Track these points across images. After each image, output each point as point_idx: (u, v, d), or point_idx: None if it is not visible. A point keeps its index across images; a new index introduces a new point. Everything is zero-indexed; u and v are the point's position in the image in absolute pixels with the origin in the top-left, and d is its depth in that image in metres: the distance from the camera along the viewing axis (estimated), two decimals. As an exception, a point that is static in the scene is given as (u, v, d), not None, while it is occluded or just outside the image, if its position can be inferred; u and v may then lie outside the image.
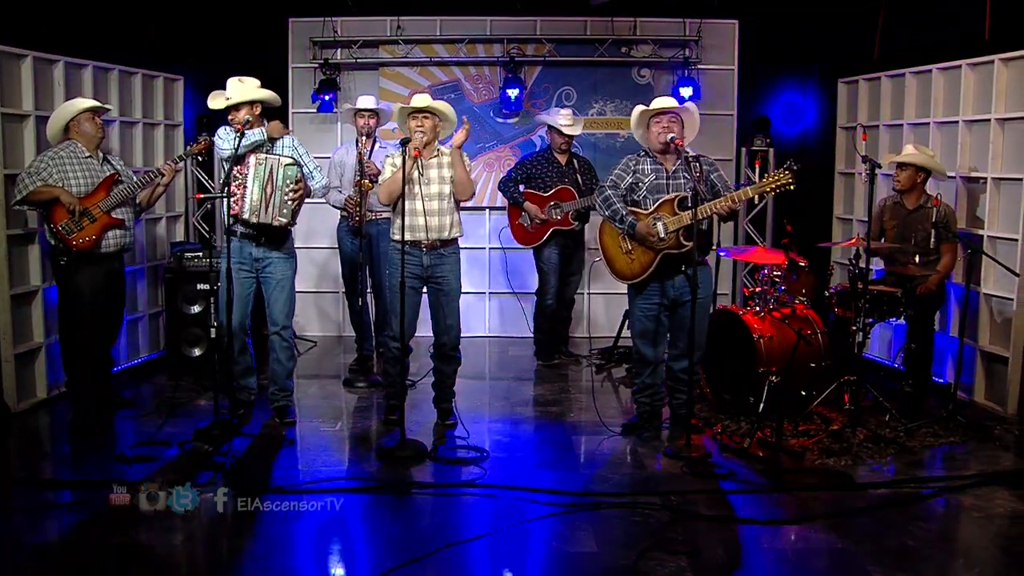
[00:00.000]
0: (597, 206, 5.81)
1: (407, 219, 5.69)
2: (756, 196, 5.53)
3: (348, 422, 6.30)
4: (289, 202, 5.77)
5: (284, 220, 5.79)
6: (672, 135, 5.53)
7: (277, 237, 5.91)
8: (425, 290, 5.91)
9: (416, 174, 5.66)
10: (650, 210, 5.60)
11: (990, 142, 6.48)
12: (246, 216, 5.73)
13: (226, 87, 5.87)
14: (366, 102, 7.11)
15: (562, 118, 7.50)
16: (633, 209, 5.65)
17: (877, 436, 5.70)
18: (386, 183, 5.70)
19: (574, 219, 7.50)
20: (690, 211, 5.42)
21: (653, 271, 5.64)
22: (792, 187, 5.30)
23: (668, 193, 5.59)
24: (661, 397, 6.05)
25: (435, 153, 5.77)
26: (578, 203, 7.43)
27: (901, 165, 6.44)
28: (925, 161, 6.40)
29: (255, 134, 5.80)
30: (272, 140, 5.91)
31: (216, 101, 5.90)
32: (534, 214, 7.49)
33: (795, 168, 5.28)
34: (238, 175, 5.68)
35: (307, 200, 6.03)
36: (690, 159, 5.51)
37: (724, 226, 8.27)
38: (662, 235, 5.52)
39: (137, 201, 6.32)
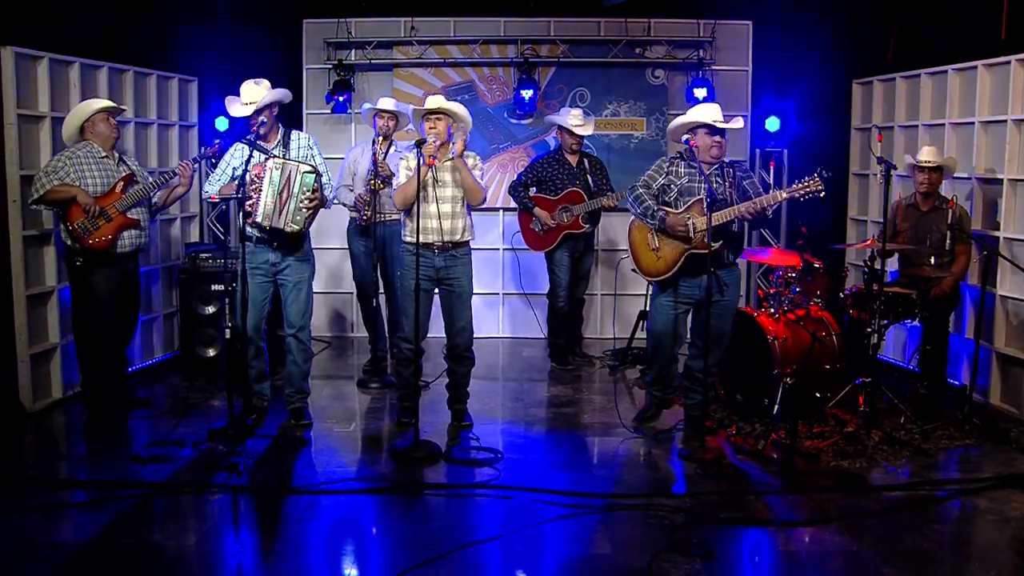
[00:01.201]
0: (629, 205, 5.83)
1: (420, 221, 5.70)
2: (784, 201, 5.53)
3: (362, 423, 6.30)
4: (304, 210, 5.76)
5: (296, 227, 5.77)
6: (720, 151, 5.62)
7: (292, 242, 5.90)
8: (437, 292, 5.92)
9: (431, 179, 5.67)
10: (680, 210, 5.62)
11: (1006, 143, 6.44)
12: (259, 220, 5.71)
13: (240, 92, 5.88)
14: (387, 103, 7.10)
15: (572, 118, 7.48)
16: (664, 208, 5.67)
17: (892, 438, 5.68)
18: (401, 188, 5.70)
19: (584, 222, 7.47)
20: (716, 213, 5.43)
21: (678, 270, 5.66)
22: (823, 194, 5.35)
23: (699, 195, 5.61)
24: (674, 389, 6.12)
25: (449, 156, 5.77)
26: (588, 205, 7.41)
27: (931, 167, 6.40)
28: (952, 164, 6.48)
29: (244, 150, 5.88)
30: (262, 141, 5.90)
31: (236, 108, 5.90)
32: (544, 221, 7.47)
33: (826, 175, 5.30)
34: (255, 179, 5.67)
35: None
36: (725, 165, 5.60)
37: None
38: (691, 234, 5.54)
39: (153, 201, 6.35)
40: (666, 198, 5.69)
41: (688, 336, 6.09)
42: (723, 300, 5.62)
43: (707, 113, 5.60)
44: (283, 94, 5.93)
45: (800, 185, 5.39)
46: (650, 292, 6.04)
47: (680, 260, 5.63)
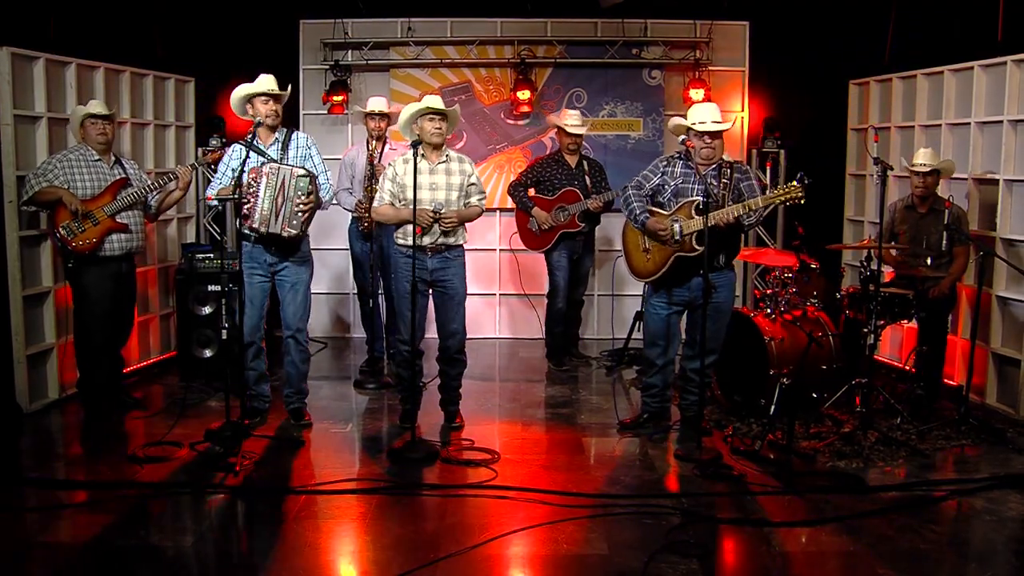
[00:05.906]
0: (620, 205, 5.85)
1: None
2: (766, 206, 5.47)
3: (359, 423, 6.30)
4: (299, 213, 5.75)
5: (293, 231, 5.75)
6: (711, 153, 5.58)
7: (290, 244, 5.90)
8: (431, 293, 5.91)
9: (423, 180, 5.65)
10: (670, 212, 5.62)
11: (1002, 144, 6.45)
12: (255, 225, 5.70)
13: (255, 80, 5.86)
14: (377, 104, 7.09)
15: (568, 117, 7.48)
16: (653, 209, 5.66)
17: (888, 439, 5.68)
18: (379, 211, 5.79)
19: (581, 221, 7.47)
20: (698, 218, 5.43)
21: (667, 271, 5.67)
22: (802, 200, 5.25)
23: (691, 196, 5.60)
24: (668, 399, 6.12)
25: (443, 159, 5.77)
26: (584, 204, 7.41)
27: (926, 172, 6.40)
28: (948, 166, 6.50)
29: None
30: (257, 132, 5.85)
31: (246, 90, 5.85)
32: (542, 221, 7.47)
33: (806, 182, 5.24)
34: (252, 183, 5.66)
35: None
36: (724, 165, 5.54)
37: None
38: (677, 236, 5.53)
39: (153, 206, 6.35)
40: (660, 198, 5.70)
41: (683, 337, 6.10)
42: (713, 302, 5.59)
43: (695, 115, 5.61)
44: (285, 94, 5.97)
45: (779, 191, 5.34)
46: (645, 292, 6.06)
47: (668, 262, 5.65)
